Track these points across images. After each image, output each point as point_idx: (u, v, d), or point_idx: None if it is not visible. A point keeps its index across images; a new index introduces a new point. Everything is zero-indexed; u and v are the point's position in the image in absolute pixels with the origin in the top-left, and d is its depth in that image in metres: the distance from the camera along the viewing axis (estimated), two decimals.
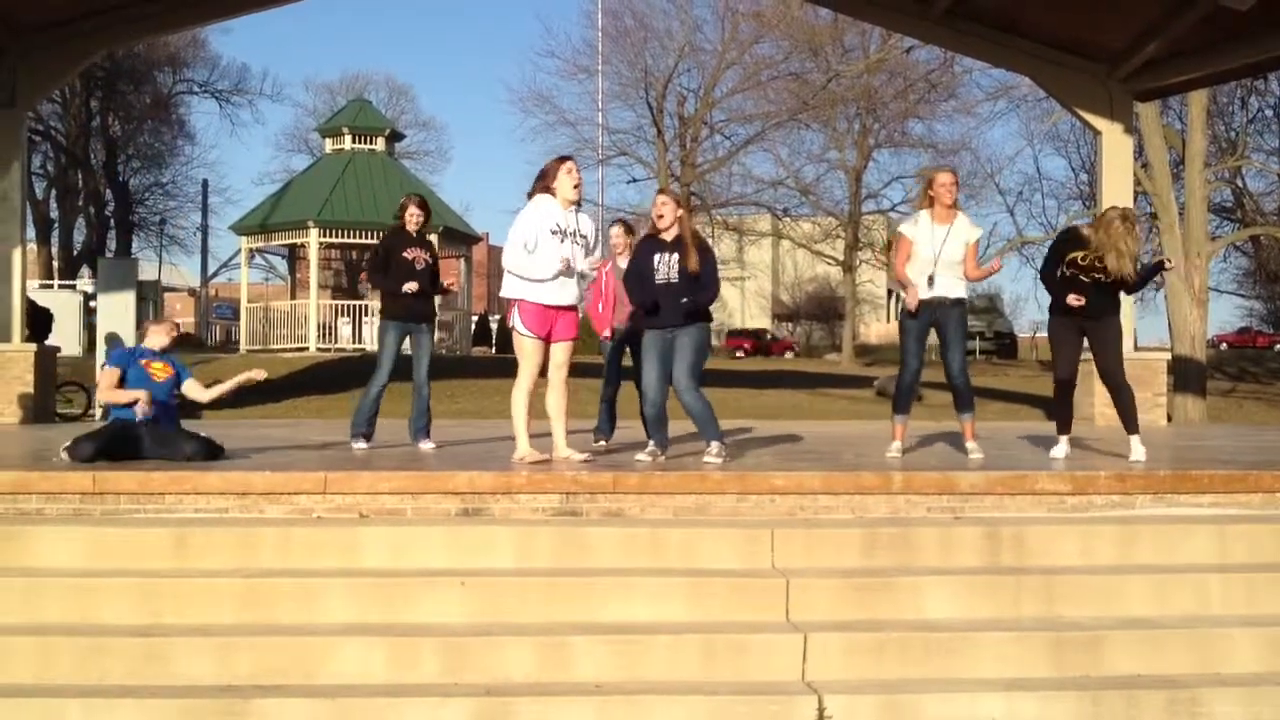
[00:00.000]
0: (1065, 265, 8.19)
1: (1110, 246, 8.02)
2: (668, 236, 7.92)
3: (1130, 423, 8.22)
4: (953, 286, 8.28)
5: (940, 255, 8.19)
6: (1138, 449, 8.04)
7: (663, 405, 8.01)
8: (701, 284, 7.79)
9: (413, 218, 9.33)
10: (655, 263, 7.89)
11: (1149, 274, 8.70)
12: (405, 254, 9.22)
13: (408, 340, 9.27)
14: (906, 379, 8.47)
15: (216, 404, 8.80)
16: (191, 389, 8.24)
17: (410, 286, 9.08)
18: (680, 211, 7.94)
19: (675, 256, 7.81)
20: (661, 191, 8.23)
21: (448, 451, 9.01)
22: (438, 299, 9.36)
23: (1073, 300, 8.10)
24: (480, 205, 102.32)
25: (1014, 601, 5.85)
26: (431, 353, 9.40)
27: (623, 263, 9.23)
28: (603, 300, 9.25)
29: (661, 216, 7.92)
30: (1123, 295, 8.47)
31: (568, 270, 7.62)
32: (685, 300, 7.72)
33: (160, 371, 8.03)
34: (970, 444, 8.34)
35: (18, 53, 14.79)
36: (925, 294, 8.25)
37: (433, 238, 30.96)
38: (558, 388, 7.86)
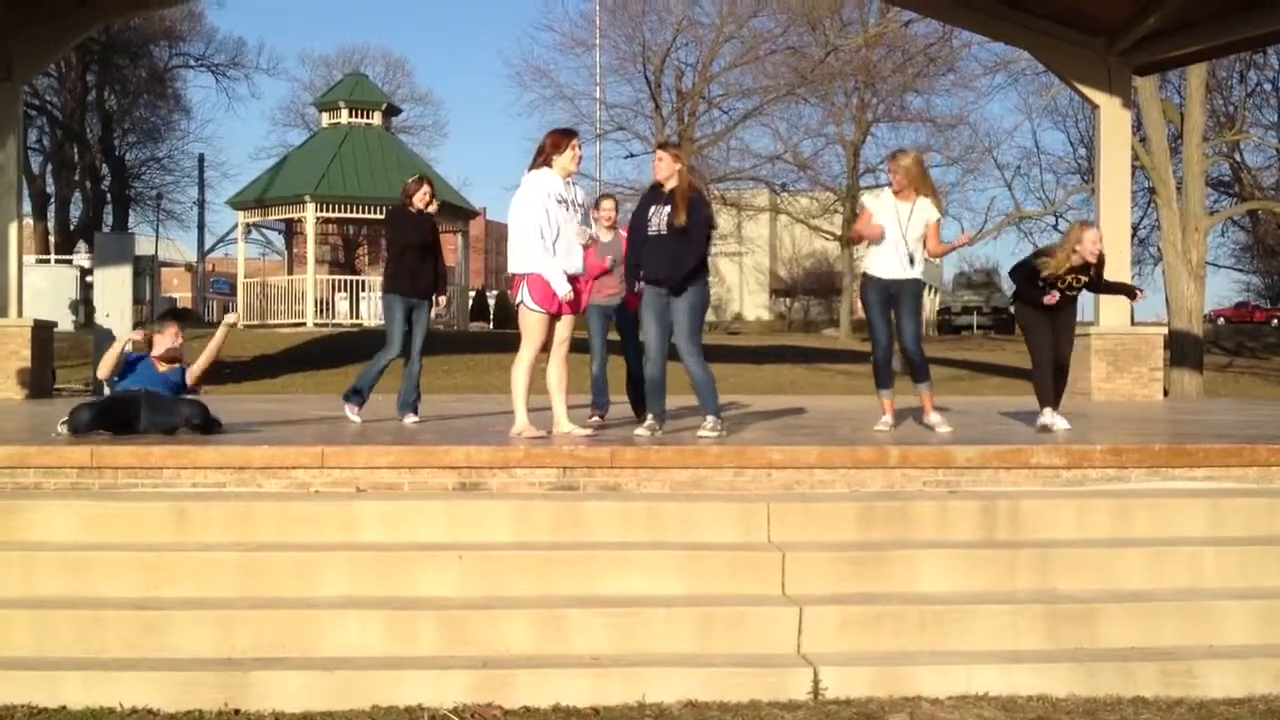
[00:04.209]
0: (1043, 281, 8.58)
1: (1066, 249, 8.60)
2: (666, 188, 7.86)
3: (1059, 400, 8.78)
4: (905, 265, 8.46)
5: (902, 232, 8.38)
6: (1061, 421, 8.52)
7: (663, 367, 7.99)
8: (686, 239, 7.71)
9: (420, 196, 9.42)
10: (650, 213, 7.88)
11: (1117, 289, 9.42)
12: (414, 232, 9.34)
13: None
14: (879, 354, 8.65)
15: (215, 367, 8.84)
16: (192, 373, 8.31)
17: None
18: (678, 165, 7.84)
19: (668, 209, 7.77)
20: (661, 145, 8.18)
21: (445, 426, 9.03)
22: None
23: (1050, 300, 8.54)
24: (478, 180, 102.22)
25: (1009, 575, 5.87)
26: (428, 329, 9.48)
27: (604, 236, 9.25)
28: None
29: (658, 171, 7.91)
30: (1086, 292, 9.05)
31: (584, 237, 7.77)
32: (663, 277, 7.73)
33: (166, 365, 8.18)
34: (932, 416, 8.40)
35: (13, 26, 14.72)
36: (880, 272, 8.48)
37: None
38: (559, 362, 7.88)
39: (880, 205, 8.53)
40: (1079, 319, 9.53)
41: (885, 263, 8.46)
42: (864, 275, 8.67)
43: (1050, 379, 8.74)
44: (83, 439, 7.14)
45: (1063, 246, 8.65)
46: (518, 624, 5.39)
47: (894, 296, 8.48)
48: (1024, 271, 8.79)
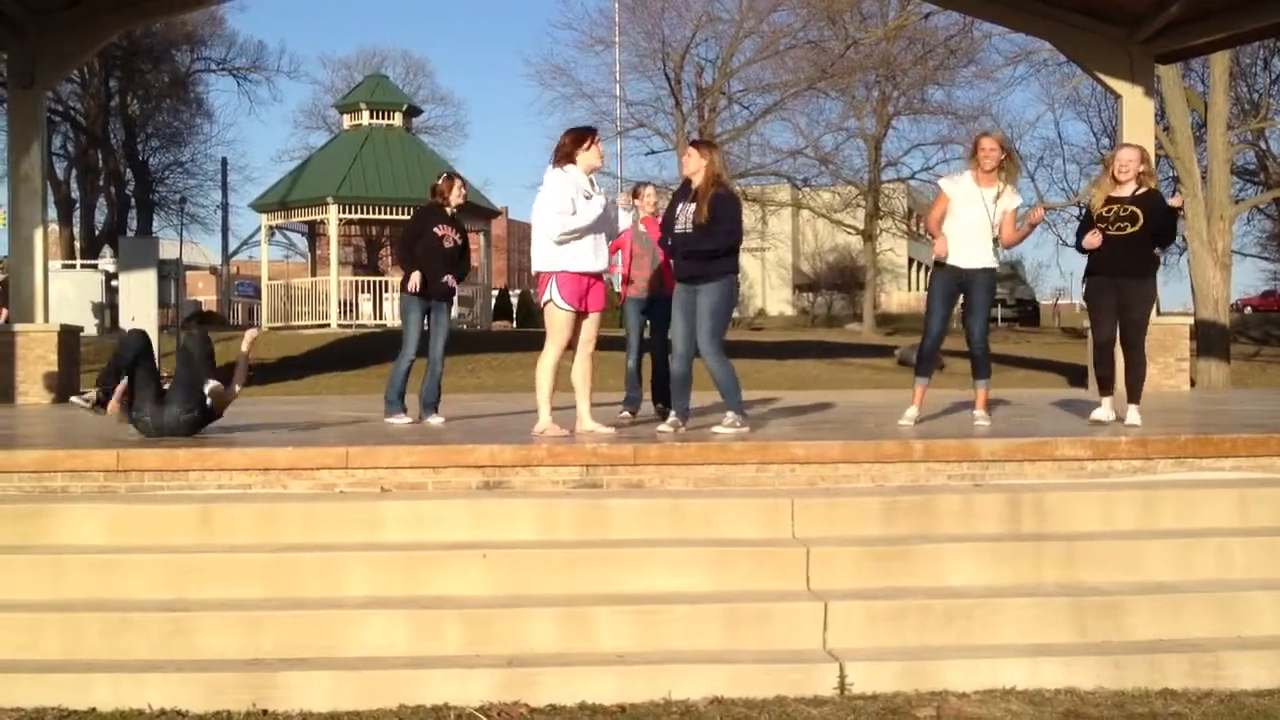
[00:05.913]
0: (1096, 221, 8.13)
1: (1104, 175, 8.20)
2: (694, 185, 7.83)
3: (1135, 393, 8.21)
4: (983, 253, 8.21)
5: (977, 218, 8.13)
6: (1134, 415, 8.05)
7: (689, 364, 7.97)
8: (710, 234, 7.68)
9: (456, 190, 9.38)
10: (678, 209, 7.86)
11: (1166, 222, 8.64)
12: (436, 230, 9.28)
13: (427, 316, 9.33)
14: (928, 344, 8.44)
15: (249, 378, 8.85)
16: (217, 395, 7.95)
17: (414, 283, 9.13)
18: (704, 161, 7.78)
19: (694, 206, 7.76)
20: (693, 143, 8.13)
21: (469, 425, 9.06)
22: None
23: (1091, 239, 8.04)
24: (499, 180, 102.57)
25: (1035, 568, 5.85)
26: (449, 329, 9.48)
27: (643, 226, 9.27)
28: (623, 265, 9.30)
29: (685, 166, 7.89)
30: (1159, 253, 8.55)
31: (609, 220, 7.79)
32: (690, 273, 7.72)
33: None
34: (978, 412, 8.33)
35: (36, 32, 14.82)
36: (954, 259, 8.21)
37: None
38: (584, 360, 7.90)
39: (959, 189, 8.22)
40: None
41: (959, 250, 8.17)
42: (935, 262, 8.31)
43: (1106, 362, 8.35)
44: (109, 443, 7.18)
45: (1101, 175, 8.21)
46: (543, 622, 5.40)
47: (964, 287, 8.25)
48: (1080, 226, 8.34)
